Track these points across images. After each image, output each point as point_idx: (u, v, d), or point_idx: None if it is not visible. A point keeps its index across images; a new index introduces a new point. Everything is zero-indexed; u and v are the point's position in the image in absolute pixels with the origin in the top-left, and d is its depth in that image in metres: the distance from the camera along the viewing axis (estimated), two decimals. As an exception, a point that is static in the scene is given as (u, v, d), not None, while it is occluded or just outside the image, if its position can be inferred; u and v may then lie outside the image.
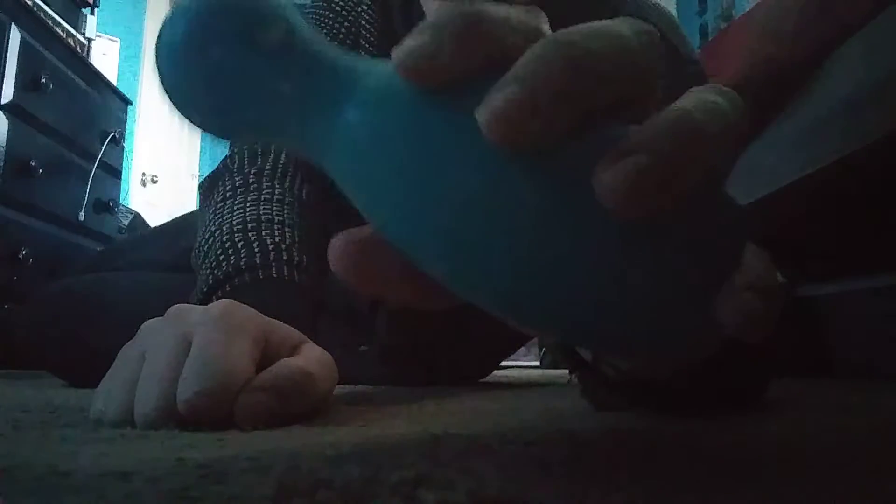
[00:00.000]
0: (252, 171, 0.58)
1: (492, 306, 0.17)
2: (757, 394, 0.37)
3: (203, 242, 0.53)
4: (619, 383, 0.30)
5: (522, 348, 1.45)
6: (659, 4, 0.62)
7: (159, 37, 0.20)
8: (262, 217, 0.53)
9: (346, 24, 0.65)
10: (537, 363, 2.10)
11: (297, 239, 0.52)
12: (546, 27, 0.19)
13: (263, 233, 0.51)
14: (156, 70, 0.20)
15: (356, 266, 0.19)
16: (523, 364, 2.12)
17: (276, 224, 0.52)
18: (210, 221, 0.54)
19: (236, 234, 0.51)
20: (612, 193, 0.15)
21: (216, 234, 0.52)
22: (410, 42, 0.17)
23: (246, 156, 0.59)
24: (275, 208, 0.54)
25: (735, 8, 3.32)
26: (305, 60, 0.19)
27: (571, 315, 0.17)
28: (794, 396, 0.54)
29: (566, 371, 0.34)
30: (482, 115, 0.15)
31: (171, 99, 0.20)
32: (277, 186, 0.56)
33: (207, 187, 0.60)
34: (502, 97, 0.15)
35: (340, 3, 0.66)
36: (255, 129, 0.21)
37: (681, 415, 0.33)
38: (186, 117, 0.20)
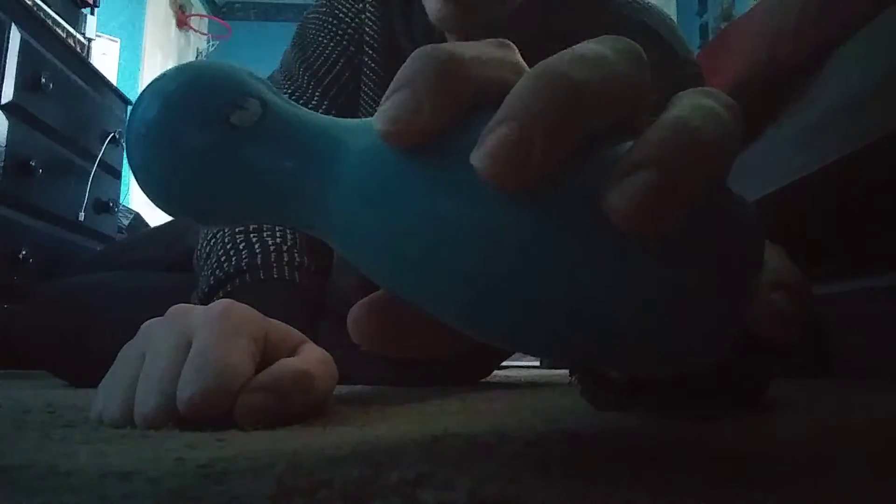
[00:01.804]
0: None
1: (517, 344, 0.17)
2: (757, 394, 0.37)
3: (205, 244, 0.53)
4: (619, 383, 0.30)
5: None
6: (656, 6, 0.62)
7: (129, 123, 0.19)
8: None
9: (349, 30, 0.64)
10: (537, 363, 2.10)
11: (297, 240, 0.52)
12: (520, 58, 0.18)
13: (265, 234, 0.51)
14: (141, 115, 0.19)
15: (379, 331, 0.19)
16: (523, 364, 2.12)
17: (277, 226, 0.52)
18: (211, 223, 0.54)
19: (237, 236, 0.51)
20: (623, 212, 0.14)
21: (217, 236, 0.52)
22: (388, 106, 0.16)
23: None
24: None
25: (735, 8, 3.32)
26: (284, 133, 0.19)
27: (598, 340, 0.16)
28: (794, 396, 0.54)
29: (566, 371, 0.34)
30: (477, 159, 0.15)
31: (146, 189, 0.19)
32: None
33: None
34: (496, 138, 0.15)
35: (343, 8, 0.65)
36: (243, 211, 0.20)
37: (681, 415, 0.33)
38: (165, 207, 0.20)
